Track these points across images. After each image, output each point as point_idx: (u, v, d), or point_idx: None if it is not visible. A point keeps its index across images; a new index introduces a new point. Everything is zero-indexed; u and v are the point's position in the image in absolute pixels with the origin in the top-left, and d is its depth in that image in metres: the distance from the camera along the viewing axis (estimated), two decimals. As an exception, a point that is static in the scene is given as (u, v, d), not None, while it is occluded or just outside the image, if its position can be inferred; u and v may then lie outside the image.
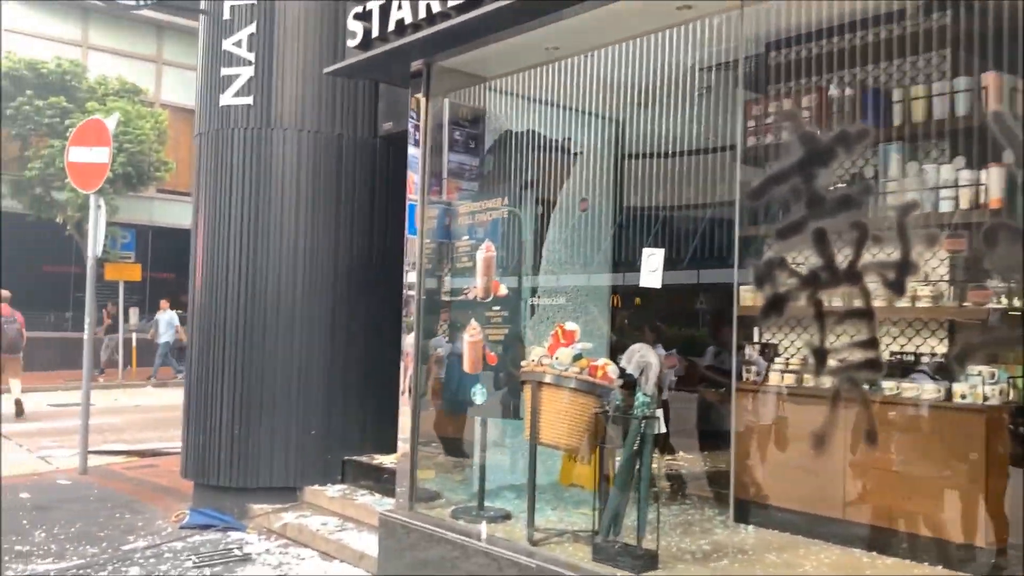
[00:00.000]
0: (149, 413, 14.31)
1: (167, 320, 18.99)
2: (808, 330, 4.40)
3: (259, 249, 6.77)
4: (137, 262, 20.79)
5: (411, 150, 5.13)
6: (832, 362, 3.69)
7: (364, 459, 6.83)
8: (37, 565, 5.56)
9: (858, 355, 3.61)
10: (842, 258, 3.61)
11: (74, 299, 21.53)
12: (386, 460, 6.78)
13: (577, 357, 4.19)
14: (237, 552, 5.84)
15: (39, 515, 6.89)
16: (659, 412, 3.84)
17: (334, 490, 6.63)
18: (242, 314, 6.76)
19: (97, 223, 9.15)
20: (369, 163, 7.08)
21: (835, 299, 3.69)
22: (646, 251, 4.01)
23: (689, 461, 6.17)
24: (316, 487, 6.73)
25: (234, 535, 6.31)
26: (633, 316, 6.47)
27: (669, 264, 5.55)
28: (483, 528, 4.36)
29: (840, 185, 4.07)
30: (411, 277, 5.10)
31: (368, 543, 5.67)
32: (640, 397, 3.84)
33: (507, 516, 4.75)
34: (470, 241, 4.89)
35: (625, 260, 5.72)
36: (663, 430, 3.85)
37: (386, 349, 7.05)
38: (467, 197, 5.03)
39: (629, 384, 4.22)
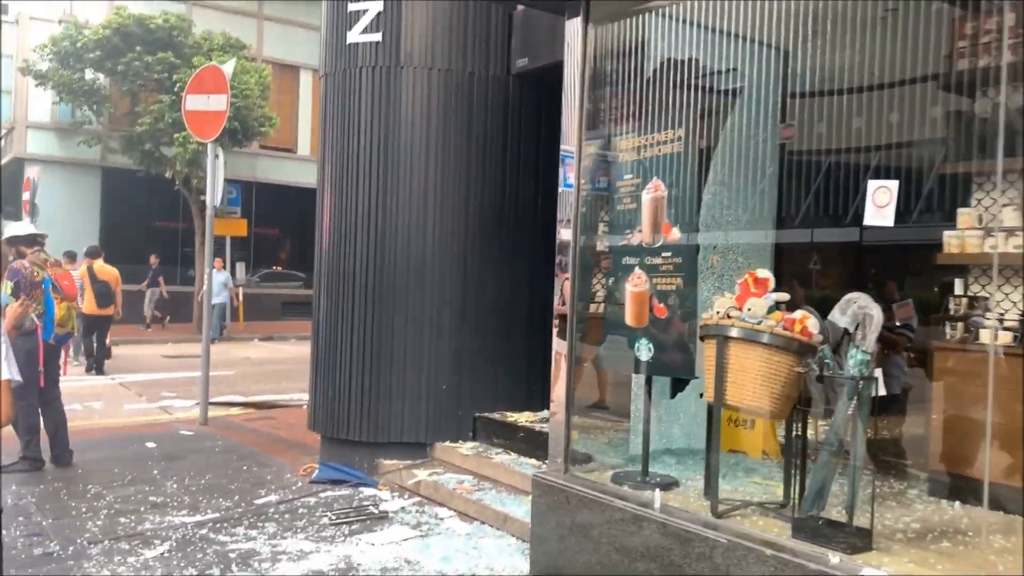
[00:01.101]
0: (259, 366, 14.41)
1: (221, 281, 18.13)
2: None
3: (388, 198, 6.44)
4: (242, 218, 21.02)
5: (567, 87, 4.65)
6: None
7: (496, 416, 6.50)
8: (173, 516, 5.42)
9: None
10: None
11: (182, 254, 21.96)
12: (520, 418, 6.44)
13: (771, 309, 3.70)
14: (373, 510, 5.60)
15: (168, 465, 6.82)
16: (878, 372, 3.32)
17: (467, 447, 6.33)
18: (371, 266, 6.47)
19: (216, 173, 9.01)
20: (501, 104, 6.65)
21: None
22: (872, 184, 3.46)
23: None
24: (447, 444, 6.44)
25: (366, 491, 6.08)
26: (801, 276, 5.87)
27: (837, 220, 4.98)
28: (657, 496, 3.94)
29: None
30: (565, 234, 4.65)
31: (511, 505, 5.34)
32: (857, 354, 3.32)
33: (674, 483, 4.32)
34: (634, 180, 4.41)
35: (790, 213, 5.16)
36: (883, 392, 3.33)
37: (518, 303, 6.68)
38: (630, 133, 4.54)
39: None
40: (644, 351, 4.32)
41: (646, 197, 4.33)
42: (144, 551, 4.78)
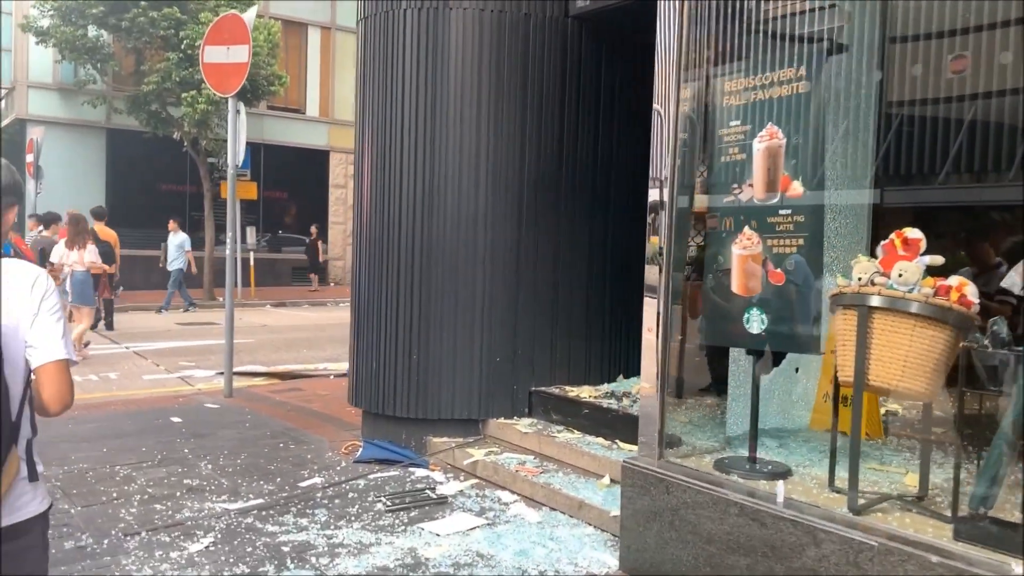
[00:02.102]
0: (278, 333, 13.93)
1: (178, 244, 16.59)
2: None
3: (436, 153, 5.88)
4: (252, 180, 20.40)
5: (662, 19, 4.07)
6: None
7: (555, 391, 6.00)
8: (213, 503, 4.95)
9: None
10: None
11: (190, 218, 21.39)
12: (582, 393, 5.94)
13: (924, 275, 3.18)
14: (430, 494, 5.12)
15: (198, 443, 6.34)
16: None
17: (524, 424, 5.84)
18: (418, 228, 5.93)
19: (238, 131, 8.43)
20: (559, 49, 6.05)
21: None
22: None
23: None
24: (502, 420, 5.95)
25: (418, 472, 5.61)
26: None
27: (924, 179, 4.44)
28: (780, 488, 3.45)
29: None
30: (655, 195, 4.11)
31: (584, 490, 4.86)
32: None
33: (787, 472, 3.83)
34: (742, 127, 3.86)
35: (899, 173, 4.61)
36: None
37: (575, 268, 6.16)
38: (736, 73, 3.97)
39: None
40: (756, 323, 3.80)
41: (759, 146, 3.78)
42: (186, 544, 4.31)
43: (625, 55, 6.26)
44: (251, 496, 5.09)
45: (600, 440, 5.41)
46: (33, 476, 2.11)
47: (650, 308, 4.15)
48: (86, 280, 10.67)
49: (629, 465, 4.05)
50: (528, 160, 5.97)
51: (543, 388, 6.03)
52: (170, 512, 4.77)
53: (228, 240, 8.55)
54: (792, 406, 4.76)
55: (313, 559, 4.12)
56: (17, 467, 2.04)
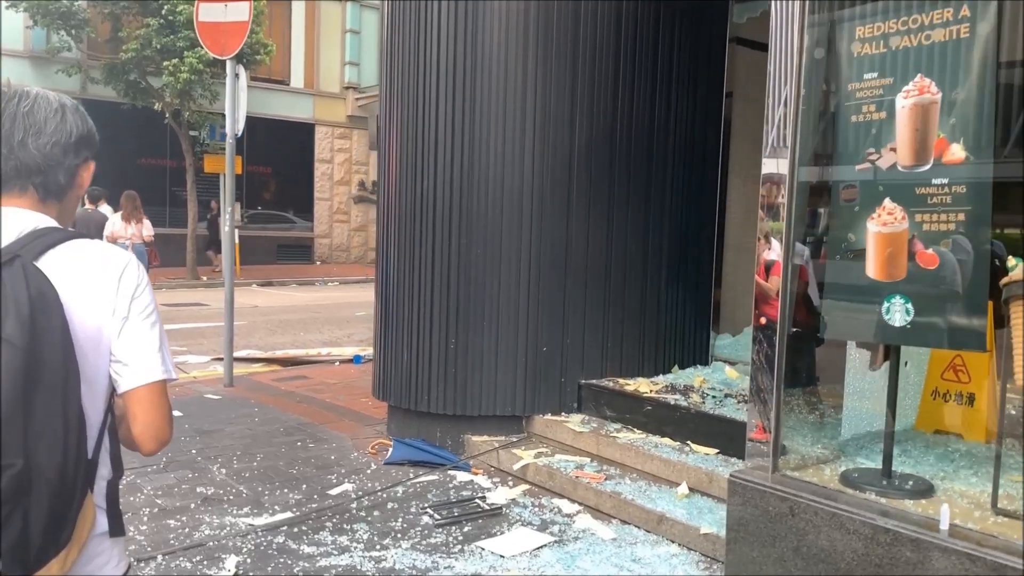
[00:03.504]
0: (270, 315, 13.21)
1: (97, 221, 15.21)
2: None
3: (475, 120, 5.22)
4: (236, 154, 19.47)
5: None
6: None
7: (609, 384, 5.40)
8: (236, 517, 4.31)
9: None
10: None
11: (171, 194, 20.52)
12: (639, 387, 5.34)
13: None
14: (480, 504, 4.52)
15: (204, 442, 5.68)
16: None
17: (576, 422, 5.24)
18: (455, 202, 5.27)
19: (237, 96, 7.70)
20: (613, 9, 5.39)
21: None
22: None
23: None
24: (549, 417, 5.35)
25: (459, 476, 5.00)
26: None
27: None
28: (945, 513, 2.88)
29: None
30: (771, 166, 3.49)
31: (661, 501, 4.27)
32: None
33: (931, 489, 3.25)
34: (881, 81, 3.25)
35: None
36: None
37: (626, 250, 5.54)
38: (872, 16, 3.35)
39: None
40: (899, 313, 3.20)
41: (905, 103, 3.17)
42: (211, 571, 3.67)
43: (685, 15, 5.62)
44: (276, 508, 4.46)
45: (667, 441, 4.82)
46: (117, 530, 1.55)
47: (761, 296, 3.53)
48: (142, 254, 10.70)
49: (739, 480, 3.45)
50: (580, 131, 5.32)
51: (594, 381, 5.43)
52: (187, 530, 4.13)
53: (226, 216, 7.87)
54: (907, 406, 4.18)
55: (364, 590, 3.50)
56: (93, 519, 1.46)
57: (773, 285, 3.50)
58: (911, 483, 3.27)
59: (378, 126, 5.81)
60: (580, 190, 5.34)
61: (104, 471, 1.53)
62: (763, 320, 3.51)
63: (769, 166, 3.49)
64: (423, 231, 5.35)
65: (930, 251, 3.11)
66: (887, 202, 3.22)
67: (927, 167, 3.12)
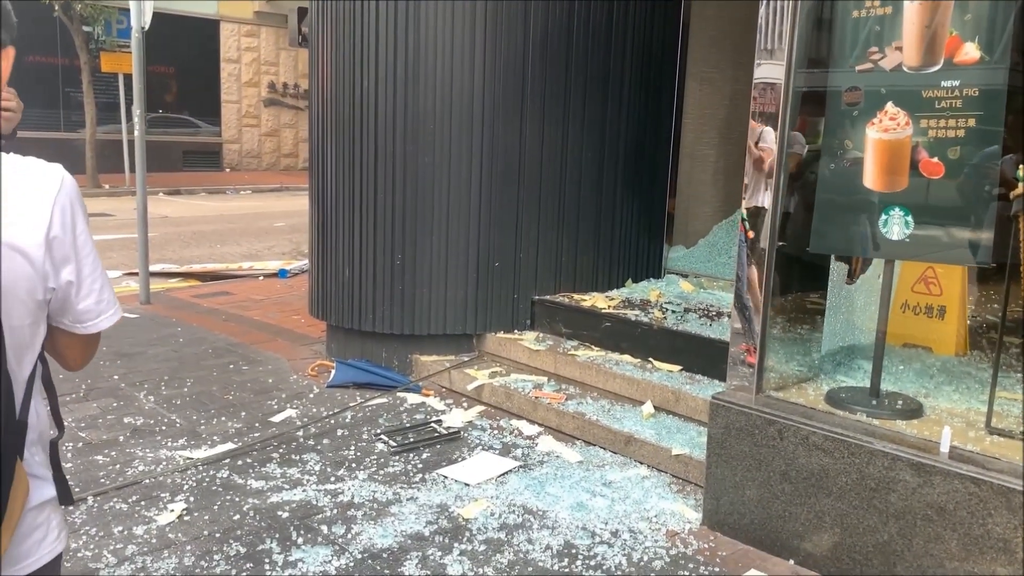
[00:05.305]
0: (182, 226, 12.48)
1: None
2: None
3: (420, 7, 4.74)
4: (135, 52, 18.11)
5: None
6: None
7: (564, 300, 5.16)
8: (171, 450, 3.95)
9: None
10: None
11: (64, 95, 19.05)
12: (595, 302, 5.13)
13: None
14: (437, 428, 4.27)
15: (127, 367, 5.24)
16: None
17: (532, 340, 5.00)
18: (399, 106, 4.83)
19: (142, -18, 6.92)
20: None
21: None
22: None
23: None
24: (501, 335, 5.10)
25: (410, 399, 4.73)
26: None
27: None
28: (946, 436, 2.76)
29: None
30: (765, 70, 3.19)
31: (628, 421, 4.10)
32: None
33: (920, 409, 3.14)
34: (887, -27, 2.97)
35: None
36: None
37: (583, 154, 5.23)
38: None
39: None
40: (897, 226, 3.02)
41: (913, -2, 2.91)
42: (151, 513, 3.34)
43: None
44: (216, 439, 4.11)
45: (627, 358, 4.64)
46: (66, 497, 1.35)
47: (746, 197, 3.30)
48: None
49: (722, 402, 3.28)
50: (535, 23, 4.91)
51: (548, 297, 5.18)
52: (118, 466, 3.76)
53: (136, 118, 7.17)
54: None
55: (324, 528, 3.23)
56: (27, 490, 1.21)
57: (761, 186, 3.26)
58: (900, 403, 3.16)
59: (309, 18, 5.26)
60: (535, 91, 4.97)
61: (39, 426, 1.29)
62: (751, 234, 3.29)
63: (762, 72, 3.20)
64: (364, 136, 4.92)
65: (935, 159, 2.91)
66: (889, 106, 3.00)
67: (936, 68, 2.89)
